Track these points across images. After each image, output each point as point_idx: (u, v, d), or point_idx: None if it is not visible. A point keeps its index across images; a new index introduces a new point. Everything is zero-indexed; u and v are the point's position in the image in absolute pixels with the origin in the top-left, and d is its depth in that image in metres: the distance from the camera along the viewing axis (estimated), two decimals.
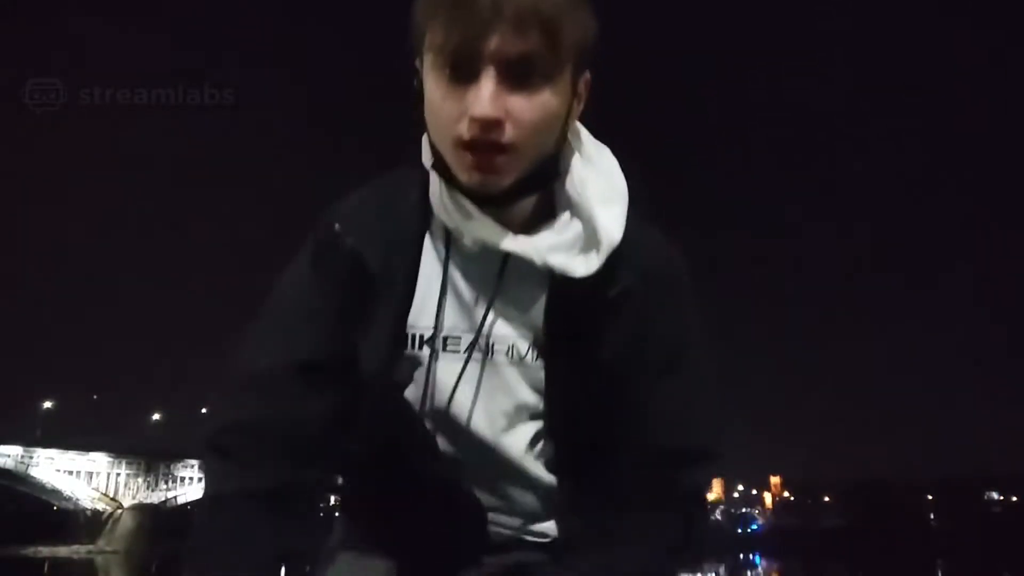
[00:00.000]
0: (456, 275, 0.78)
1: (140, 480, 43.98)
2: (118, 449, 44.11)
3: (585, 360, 0.76)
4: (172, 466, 45.50)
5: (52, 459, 41.33)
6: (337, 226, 0.79)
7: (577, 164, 0.75)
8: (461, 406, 0.78)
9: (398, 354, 0.77)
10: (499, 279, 0.75)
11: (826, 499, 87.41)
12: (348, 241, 0.78)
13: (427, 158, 0.74)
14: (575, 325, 0.75)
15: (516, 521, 0.84)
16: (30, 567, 30.63)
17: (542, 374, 0.77)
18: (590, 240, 0.72)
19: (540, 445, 0.80)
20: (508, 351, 0.77)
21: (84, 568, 32.41)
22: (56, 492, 42.29)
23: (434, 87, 0.67)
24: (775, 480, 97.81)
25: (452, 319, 0.77)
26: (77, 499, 42.26)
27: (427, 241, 0.79)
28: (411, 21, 0.69)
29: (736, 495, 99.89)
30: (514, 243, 0.72)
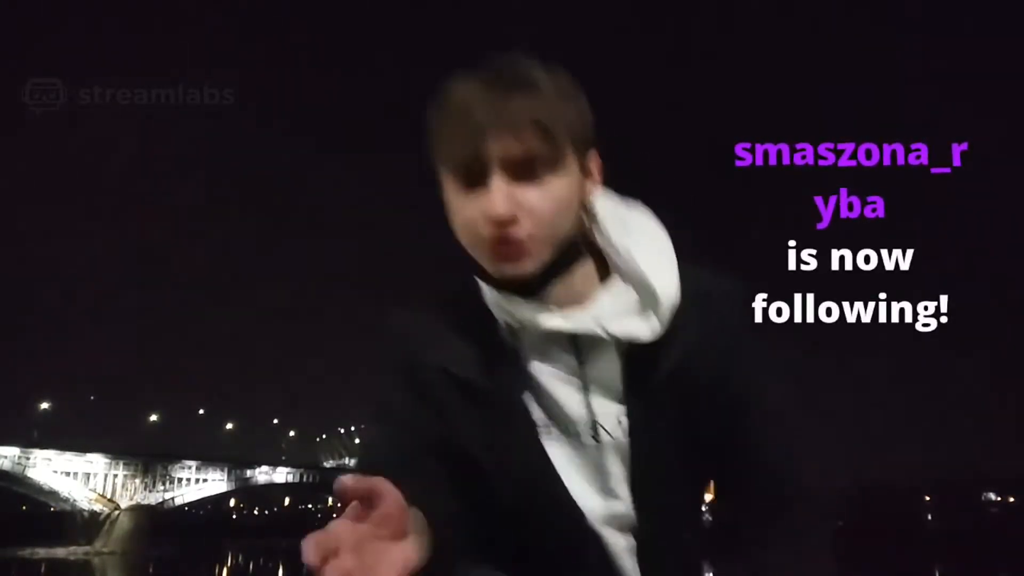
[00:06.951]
0: (540, 367, 0.78)
1: (137, 481, 43.80)
2: (115, 450, 44.04)
3: (668, 423, 0.77)
4: (169, 467, 45.42)
5: (49, 460, 41.21)
6: (416, 350, 0.79)
7: (615, 233, 0.77)
8: (572, 488, 0.78)
9: (525, 442, 0.77)
10: (579, 364, 0.77)
11: None
12: (430, 359, 0.78)
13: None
14: (654, 393, 0.76)
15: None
16: (27, 568, 30.56)
17: (629, 448, 0.77)
18: (647, 303, 0.73)
19: (626, 515, 0.79)
20: (600, 430, 0.77)
21: (81, 569, 32.30)
22: (53, 493, 42.14)
23: (452, 195, 0.73)
24: None
25: (554, 407, 0.78)
26: (74, 500, 42.07)
27: (503, 339, 0.79)
28: (426, 134, 0.73)
29: None
30: (566, 321, 0.74)
